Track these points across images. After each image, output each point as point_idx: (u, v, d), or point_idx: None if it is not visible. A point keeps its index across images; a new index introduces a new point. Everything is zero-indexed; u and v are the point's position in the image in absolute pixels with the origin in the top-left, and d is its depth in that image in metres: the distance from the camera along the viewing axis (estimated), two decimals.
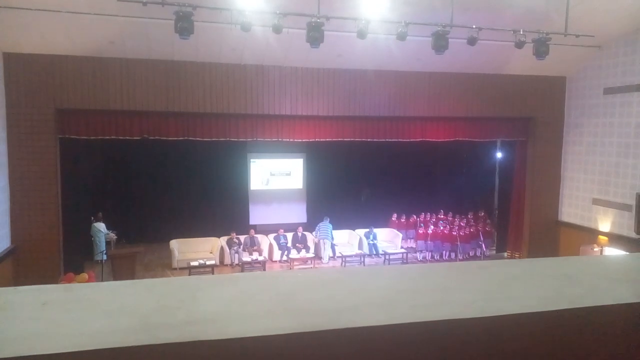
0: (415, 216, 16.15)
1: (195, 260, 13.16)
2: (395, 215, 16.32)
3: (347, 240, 15.68)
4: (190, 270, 12.70)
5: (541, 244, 14.41)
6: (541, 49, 10.25)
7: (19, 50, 10.70)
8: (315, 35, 9.11)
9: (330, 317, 1.03)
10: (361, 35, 9.37)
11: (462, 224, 15.40)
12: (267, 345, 0.94)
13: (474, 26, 9.84)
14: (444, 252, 15.09)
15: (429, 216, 15.96)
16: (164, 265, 13.90)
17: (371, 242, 15.07)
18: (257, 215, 16.96)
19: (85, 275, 11.74)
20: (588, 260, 2.33)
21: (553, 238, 14.65)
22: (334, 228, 14.92)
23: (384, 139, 13.84)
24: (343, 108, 12.93)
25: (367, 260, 14.60)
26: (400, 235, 15.80)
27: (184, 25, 8.53)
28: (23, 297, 1.11)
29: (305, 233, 15.10)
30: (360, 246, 15.12)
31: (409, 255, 14.89)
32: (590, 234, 13.51)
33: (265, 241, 14.69)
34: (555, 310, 1.10)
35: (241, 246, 14.18)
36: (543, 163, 14.51)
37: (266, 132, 12.98)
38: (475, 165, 17.23)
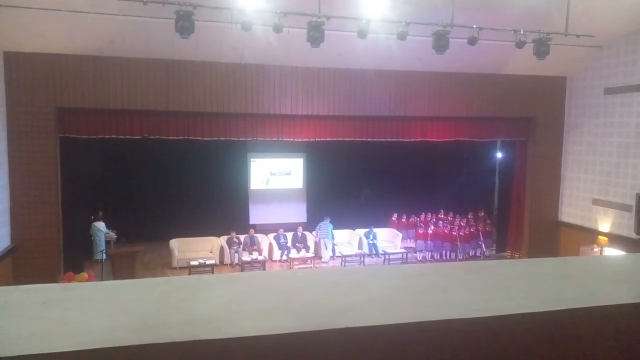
0: (415, 216, 16.15)
1: (195, 259, 13.16)
2: (395, 215, 16.31)
3: (347, 240, 15.69)
4: (190, 269, 12.70)
5: (541, 244, 14.41)
6: (542, 48, 10.25)
7: (19, 49, 10.70)
8: (315, 34, 9.11)
9: (329, 316, 1.03)
10: (362, 34, 9.36)
11: (462, 223, 15.40)
12: (266, 344, 0.94)
13: (474, 26, 9.84)
14: (443, 252, 15.10)
15: (429, 216, 15.96)
16: (164, 265, 13.90)
17: (371, 241, 15.07)
18: (257, 214, 16.96)
19: (85, 275, 11.74)
20: (588, 261, 2.33)
21: (553, 238, 14.65)
22: (334, 228, 14.93)
23: (384, 139, 13.84)
24: (343, 108, 12.93)
25: (366, 260, 14.59)
26: (400, 235, 15.80)
27: (185, 24, 8.53)
28: (23, 296, 1.11)
29: (305, 233, 15.10)
30: (360, 246, 15.12)
31: (409, 255, 14.89)
32: (590, 234, 13.52)
33: (265, 241, 14.69)
34: (555, 310, 1.10)
35: (241, 246, 14.18)
36: (543, 163, 14.51)
37: (266, 131, 12.98)
38: (475, 165, 17.23)
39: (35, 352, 0.85)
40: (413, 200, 16.70)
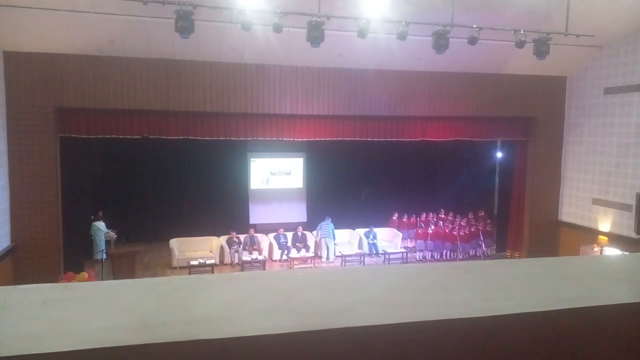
0: (415, 216, 16.15)
1: (195, 259, 13.17)
2: (395, 215, 16.31)
3: (347, 240, 15.69)
4: (190, 269, 12.70)
5: (541, 244, 14.41)
6: (542, 48, 10.25)
7: (19, 49, 10.70)
8: (315, 34, 9.11)
9: (329, 316, 1.03)
10: (362, 34, 9.36)
11: (462, 223, 15.41)
12: (266, 344, 0.94)
13: (474, 26, 9.84)
14: (444, 252, 15.11)
15: (430, 216, 15.96)
16: (164, 265, 13.90)
17: (371, 241, 15.07)
18: (257, 214, 16.96)
19: (85, 274, 11.75)
20: (588, 260, 2.33)
21: (553, 238, 14.65)
22: (334, 227, 14.93)
23: (385, 139, 13.84)
24: (343, 107, 12.93)
25: (367, 259, 14.60)
26: (401, 234, 15.80)
27: (185, 24, 8.53)
28: (23, 296, 1.11)
29: (305, 232, 15.10)
30: (360, 246, 15.12)
31: (409, 254, 14.89)
32: (590, 234, 13.52)
33: (265, 240, 14.69)
34: (555, 310, 1.10)
35: (241, 245, 14.19)
36: (543, 163, 14.51)
37: (266, 131, 12.98)
38: (475, 165, 17.24)
39: (34, 352, 0.85)
40: (413, 200, 16.71)
